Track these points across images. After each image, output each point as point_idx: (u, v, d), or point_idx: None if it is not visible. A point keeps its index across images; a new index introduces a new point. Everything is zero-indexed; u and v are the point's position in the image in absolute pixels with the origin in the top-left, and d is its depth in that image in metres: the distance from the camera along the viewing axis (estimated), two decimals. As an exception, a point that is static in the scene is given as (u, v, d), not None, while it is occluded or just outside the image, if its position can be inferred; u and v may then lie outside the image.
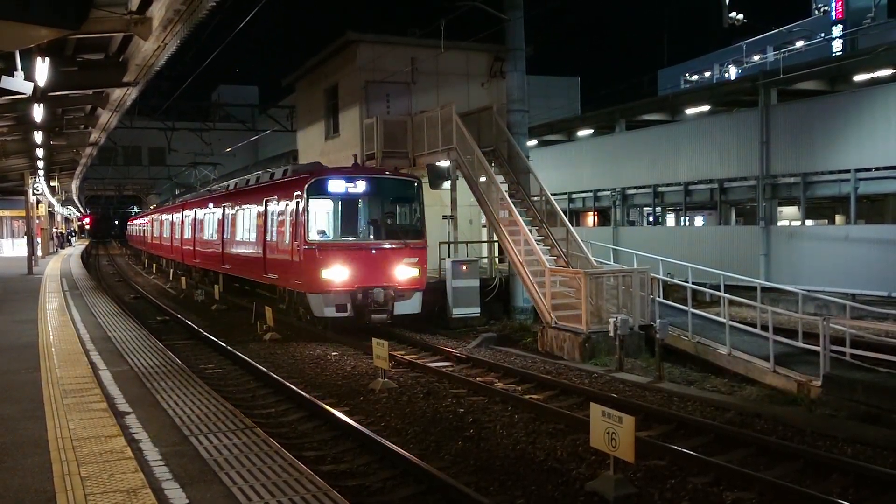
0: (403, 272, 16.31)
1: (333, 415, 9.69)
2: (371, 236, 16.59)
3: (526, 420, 9.89)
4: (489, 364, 13.61)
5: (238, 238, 22.11)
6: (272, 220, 18.58)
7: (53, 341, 12.18)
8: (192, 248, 29.42)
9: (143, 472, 5.75)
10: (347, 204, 16.70)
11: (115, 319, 15.38)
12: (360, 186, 16.51)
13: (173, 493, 5.32)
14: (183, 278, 29.95)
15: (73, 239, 67.00)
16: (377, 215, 16.72)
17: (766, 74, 25.62)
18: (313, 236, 16.12)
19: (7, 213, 46.99)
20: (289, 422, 9.99)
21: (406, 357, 14.11)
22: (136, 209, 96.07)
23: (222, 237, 23.98)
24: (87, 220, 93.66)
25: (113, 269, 46.10)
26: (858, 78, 23.67)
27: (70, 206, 68.66)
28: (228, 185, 26.99)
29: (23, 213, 38.14)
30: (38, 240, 37.05)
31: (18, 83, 11.89)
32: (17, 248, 44.12)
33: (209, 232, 26.40)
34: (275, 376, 12.11)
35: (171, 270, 35.95)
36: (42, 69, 11.95)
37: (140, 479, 5.60)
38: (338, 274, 15.77)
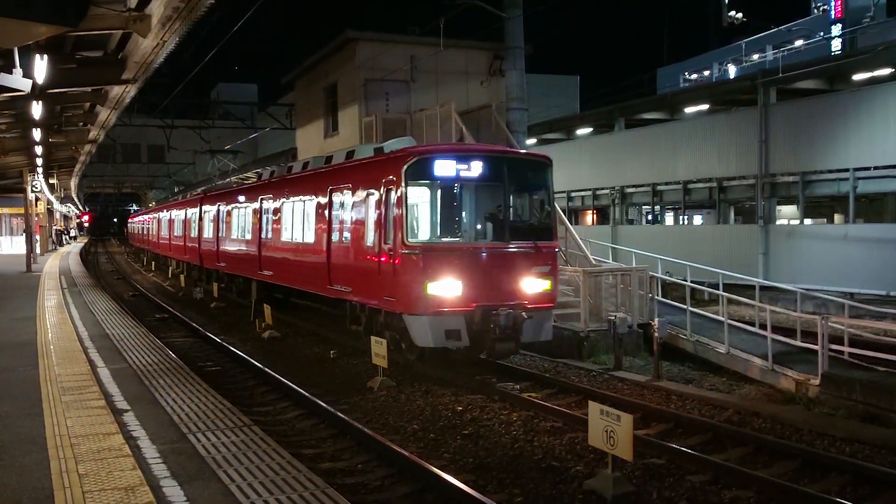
0: (533, 285, 12.25)
1: (332, 412, 9.69)
2: (492, 237, 12.34)
3: (524, 418, 9.90)
4: (487, 362, 13.60)
5: (285, 238, 17.95)
6: (342, 214, 14.40)
7: (52, 339, 12.17)
8: (214, 248, 24.97)
9: (141, 469, 5.76)
10: (461, 192, 12.62)
11: (113, 317, 15.38)
12: (477, 168, 12.24)
13: (171, 490, 5.33)
14: (182, 276, 29.88)
15: (65, 237, 65.66)
16: (500, 208, 12.60)
17: (766, 73, 25.64)
18: (414, 236, 11.93)
19: (6, 210, 46.99)
20: (287, 420, 9.99)
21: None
22: (134, 206, 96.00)
23: (259, 237, 19.80)
24: (85, 217, 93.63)
25: (112, 267, 46.07)
26: (857, 77, 23.71)
27: (69, 204, 68.63)
28: (262, 174, 22.76)
29: (21, 211, 38.16)
30: (37, 237, 37.03)
31: (17, 80, 11.89)
32: (15, 245, 44.11)
33: (239, 230, 22.23)
34: (273, 374, 12.10)
35: (170, 268, 35.49)
36: (41, 66, 11.95)
37: (138, 476, 5.60)
38: (450, 288, 11.63)
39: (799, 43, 43.13)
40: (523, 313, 11.91)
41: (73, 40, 13.69)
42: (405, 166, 11.97)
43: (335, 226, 14.66)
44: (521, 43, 20.06)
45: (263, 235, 19.55)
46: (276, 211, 18.71)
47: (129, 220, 72.46)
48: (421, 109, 21.34)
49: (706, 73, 54.61)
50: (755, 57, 44.85)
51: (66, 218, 72.61)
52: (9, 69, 11.88)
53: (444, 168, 12.10)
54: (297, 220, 17.16)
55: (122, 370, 9.69)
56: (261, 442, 6.57)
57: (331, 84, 26.15)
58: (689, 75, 56.83)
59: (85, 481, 5.50)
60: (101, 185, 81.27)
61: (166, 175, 67.73)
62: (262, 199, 19.93)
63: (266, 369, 12.49)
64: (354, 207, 13.80)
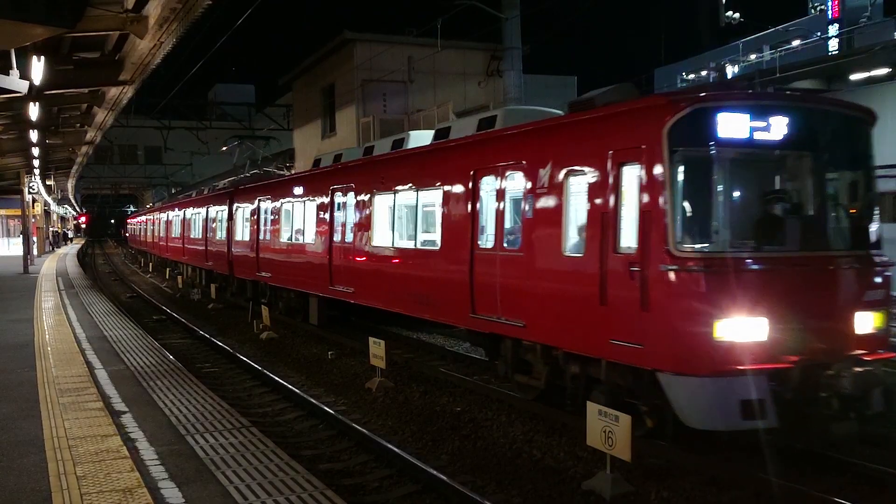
0: (866, 321, 7.69)
1: (330, 414, 9.69)
2: (801, 243, 7.69)
3: (523, 419, 9.89)
4: (485, 362, 13.59)
5: (378, 243, 13.56)
6: (503, 207, 9.96)
7: (49, 340, 12.16)
8: (251, 254, 20.34)
9: (139, 471, 5.75)
10: (759, 169, 8.32)
11: (111, 318, 15.37)
12: (780, 127, 7.54)
13: (169, 492, 5.32)
14: (179, 277, 29.83)
15: (58, 239, 63.98)
16: (815, 194, 8.25)
17: (763, 73, 25.66)
18: (687, 241, 7.31)
19: (3, 212, 46.96)
20: (286, 421, 9.99)
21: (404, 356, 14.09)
22: (132, 208, 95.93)
23: (330, 241, 15.42)
24: (82, 219, 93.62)
25: (109, 269, 46.01)
26: (854, 77, 23.75)
27: (66, 205, 68.61)
28: (321, 160, 17.84)
29: (18, 212, 38.12)
30: (34, 239, 37.00)
31: (14, 81, 11.91)
32: (12, 247, 44.06)
33: (295, 232, 17.67)
34: (271, 375, 12.10)
35: (168, 269, 35.28)
36: (38, 68, 11.96)
37: (136, 478, 5.59)
38: (752, 330, 7.08)
39: (796, 43, 43.19)
40: (872, 369, 7.25)
41: (69, 41, 13.69)
42: (670, 122, 7.24)
43: (485, 224, 10.41)
44: (519, 43, 20.10)
45: (337, 239, 15.17)
46: (363, 206, 14.11)
47: (129, 221, 71.66)
48: (419, 110, 21.37)
49: (703, 73, 54.68)
50: (752, 57, 44.91)
51: (62, 220, 72.51)
52: (6, 70, 11.90)
53: (735, 126, 7.34)
54: (403, 217, 12.92)
55: (119, 372, 9.68)
56: (259, 443, 6.56)
57: (328, 85, 26.20)
58: (687, 76, 56.88)
59: (83, 483, 5.49)
60: (99, 187, 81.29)
61: (163, 176, 67.76)
62: (333, 191, 15.38)
63: (264, 370, 12.48)
64: (534, 195, 9.17)
